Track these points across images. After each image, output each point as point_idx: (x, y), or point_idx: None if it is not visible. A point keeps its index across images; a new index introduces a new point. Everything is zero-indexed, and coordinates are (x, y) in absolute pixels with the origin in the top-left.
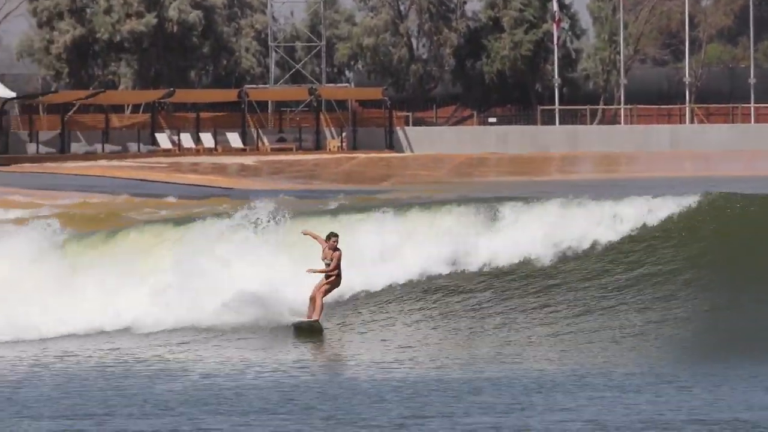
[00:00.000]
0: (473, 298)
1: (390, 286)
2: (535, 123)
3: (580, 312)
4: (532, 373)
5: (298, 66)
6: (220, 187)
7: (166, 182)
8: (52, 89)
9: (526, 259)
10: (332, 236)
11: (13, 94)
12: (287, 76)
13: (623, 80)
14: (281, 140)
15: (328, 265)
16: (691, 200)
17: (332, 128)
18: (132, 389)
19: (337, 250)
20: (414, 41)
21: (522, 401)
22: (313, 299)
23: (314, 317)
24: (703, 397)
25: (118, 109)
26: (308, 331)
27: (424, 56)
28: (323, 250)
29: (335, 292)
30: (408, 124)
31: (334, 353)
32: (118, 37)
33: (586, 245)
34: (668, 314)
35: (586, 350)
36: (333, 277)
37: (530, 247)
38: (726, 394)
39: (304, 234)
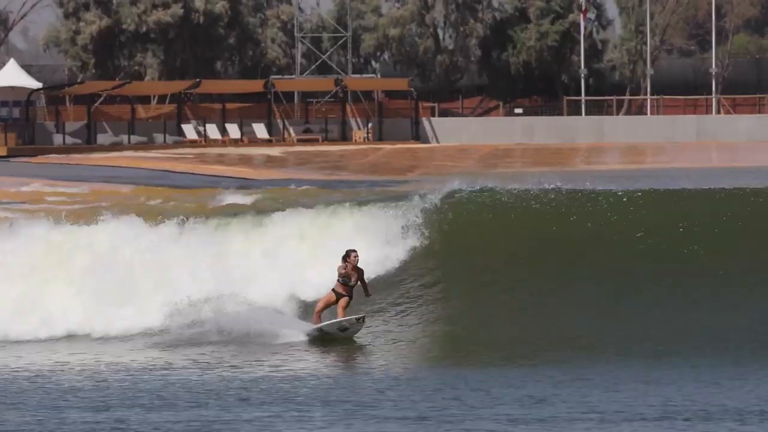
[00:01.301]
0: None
1: None
2: (561, 114)
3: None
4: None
5: (324, 57)
6: (245, 178)
7: (191, 173)
8: (79, 80)
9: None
10: (351, 253)
11: (39, 85)
12: (313, 66)
13: (649, 71)
14: (307, 131)
15: (346, 283)
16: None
17: (358, 119)
18: (155, 383)
19: (360, 269)
20: (440, 32)
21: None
22: (318, 313)
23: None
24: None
25: (144, 99)
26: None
27: (450, 47)
28: (345, 269)
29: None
30: (434, 115)
31: (346, 350)
32: (144, 28)
33: None
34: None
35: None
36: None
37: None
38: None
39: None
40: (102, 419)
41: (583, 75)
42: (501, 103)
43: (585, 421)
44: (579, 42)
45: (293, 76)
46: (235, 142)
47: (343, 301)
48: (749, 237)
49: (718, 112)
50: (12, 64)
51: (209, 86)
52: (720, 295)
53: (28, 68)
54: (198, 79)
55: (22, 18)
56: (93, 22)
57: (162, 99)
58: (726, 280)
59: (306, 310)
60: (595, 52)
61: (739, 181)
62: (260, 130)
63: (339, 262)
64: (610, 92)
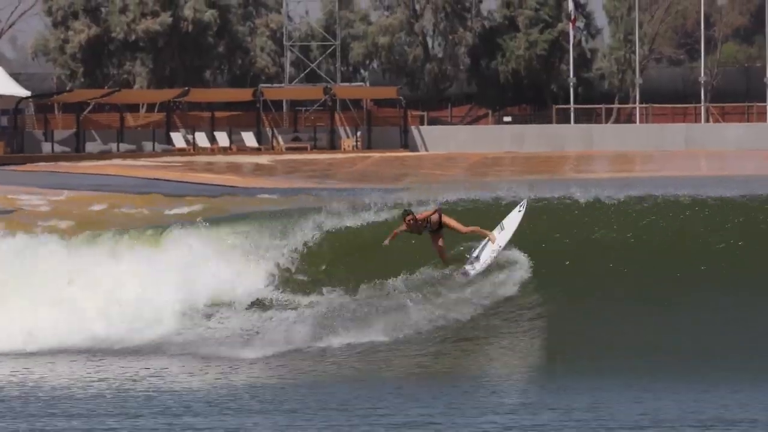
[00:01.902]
0: None
1: None
2: (550, 122)
3: None
4: None
5: (313, 65)
6: (234, 186)
7: (180, 181)
8: (67, 88)
9: None
10: (405, 216)
11: (28, 93)
12: (302, 75)
13: (638, 79)
14: (296, 139)
15: (428, 229)
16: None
17: (347, 127)
18: (162, 388)
19: (426, 223)
20: (429, 40)
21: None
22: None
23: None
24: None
25: (133, 108)
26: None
27: (439, 55)
28: (413, 230)
29: None
30: (423, 124)
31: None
32: (133, 36)
33: None
34: None
35: None
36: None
37: None
38: None
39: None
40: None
41: (572, 84)
42: (490, 112)
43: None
44: (568, 51)
45: (282, 85)
46: (224, 151)
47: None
48: None
49: (707, 120)
50: (0, 73)
51: (198, 95)
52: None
53: (16, 76)
54: (187, 88)
55: (10, 27)
56: (82, 31)
57: (151, 107)
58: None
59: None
60: (584, 61)
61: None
62: (249, 138)
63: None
64: (599, 101)
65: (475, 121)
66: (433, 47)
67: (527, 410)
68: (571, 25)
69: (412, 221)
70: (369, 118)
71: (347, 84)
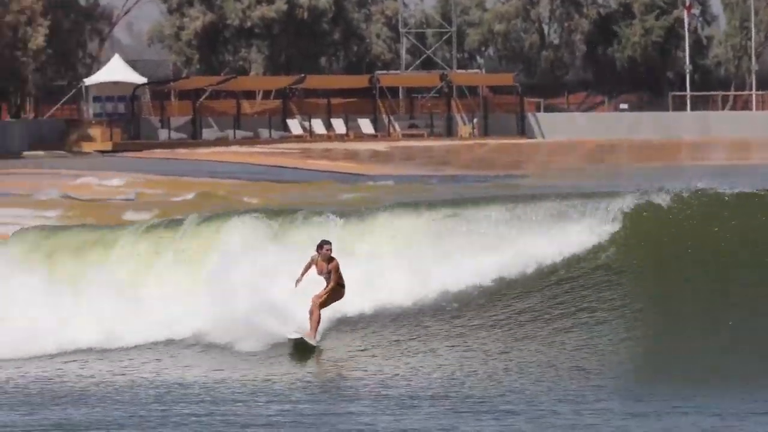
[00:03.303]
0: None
1: None
2: (666, 109)
3: None
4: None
5: (428, 52)
6: (352, 173)
7: (298, 168)
8: (183, 75)
9: None
10: (324, 245)
11: (144, 80)
12: (418, 62)
13: (755, 66)
14: (413, 126)
15: (327, 280)
16: None
17: (463, 114)
18: (158, 386)
19: (333, 259)
20: (545, 27)
21: None
22: (311, 312)
23: (311, 334)
24: None
25: (249, 95)
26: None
27: (556, 42)
28: (316, 264)
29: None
30: (539, 110)
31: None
32: (248, 23)
33: None
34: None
35: None
36: (332, 287)
37: None
38: None
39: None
40: None
41: (688, 71)
42: (606, 99)
43: None
44: (684, 38)
45: (398, 72)
46: (341, 137)
47: (320, 298)
48: None
49: None
50: (117, 60)
51: (314, 81)
52: None
53: (132, 63)
54: (303, 75)
55: (126, 13)
56: (197, 18)
57: (267, 94)
58: None
59: None
60: (699, 48)
61: None
62: (366, 125)
63: None
64: (715, 88)
65: (591, 108)
66: (549, 34)
67: None
68: (686, 12)
69: (329, 250)
70: (485, 105)
71: (463, 71)
